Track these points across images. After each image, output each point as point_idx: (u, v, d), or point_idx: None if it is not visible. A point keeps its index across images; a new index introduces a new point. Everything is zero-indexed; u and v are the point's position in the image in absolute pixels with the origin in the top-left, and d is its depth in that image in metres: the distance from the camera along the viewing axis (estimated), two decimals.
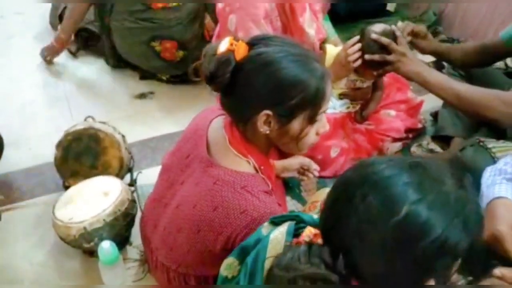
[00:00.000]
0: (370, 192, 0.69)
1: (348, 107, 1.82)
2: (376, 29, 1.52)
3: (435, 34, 2.55)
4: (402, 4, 2.79)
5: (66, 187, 1.63)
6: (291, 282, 0.70)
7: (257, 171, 1.06)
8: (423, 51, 1.72)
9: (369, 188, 0.70)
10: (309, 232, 0.81)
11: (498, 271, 0.93)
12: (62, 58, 2.43)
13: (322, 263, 0.70)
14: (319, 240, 0.77)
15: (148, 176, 1.70)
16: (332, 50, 1.67)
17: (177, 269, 1.18)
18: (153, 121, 2.09)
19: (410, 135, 1.92)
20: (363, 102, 1.82)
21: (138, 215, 1.49)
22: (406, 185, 0.69)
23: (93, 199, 1.47)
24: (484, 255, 1.02)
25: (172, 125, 2.04)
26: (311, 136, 1.06)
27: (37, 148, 1.92)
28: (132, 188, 1.63)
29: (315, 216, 0.89)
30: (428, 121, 2.03)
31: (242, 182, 1.02)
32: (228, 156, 1.06)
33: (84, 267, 1.51)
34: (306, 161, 1.52)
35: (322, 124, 1.06)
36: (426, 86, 1.46)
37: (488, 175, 1.12)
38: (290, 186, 1.72)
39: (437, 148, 1.89)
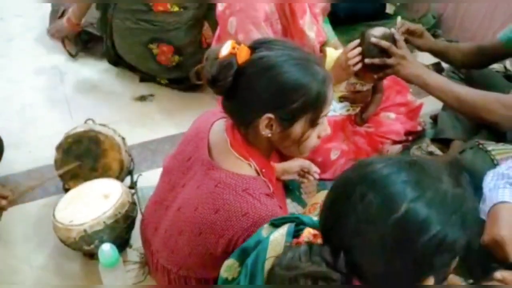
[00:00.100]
0: (369, 190, 0.70)
1: (348, 110, 1.83)
2: (376, 32, 1.52)
3: (434, 37, 2.53)
4: (401, 7, 2.80)
5: (66, 190, 1.63)
6: (293, 281, 0.70)
7: (258, 174, 1.06)
8: (420, 49, 1.73)
9: (368, 187, 0.70)
10: (308, 233, 0.81)
11: (499, 274, 0.93)
12: (62, 60, 2.43)
13: (323, 261, 0.70)
14: (319, 240, 0.77)
15: (148, 179, 1.70)
16: (332, 53, 1.67)
17: (178, 271, 1.18)
18: (153, 123, 2.09)
19: (410, 138, 1.93)
20: (363, 104, 1.82)
21: (139, 217, 1.49)
22: (405, 183, 0.69)
23: (94, 202, 1.47)
24: (484, 257, 1.02)
25: (172, 127, 2.04)
26: (313, 139, 1.06)
27: (37, 150, 1.92)
28: (133, 191, 1.63)
29: (315, 218, 0.89)
30: (427, 124, 2.03)
31: (244, 185, 1.02)
32: (230, 159, 1.06)
33: (84, 269, 1.51)
34: (306, 163, 1.52)
35: (324, 127, 1.07)
36: (426, 89, 1.47)
37: (490, 179, 1.12)
38: (290, 189, 1.72)
39: (437, 151, 1.90)
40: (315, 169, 1.52)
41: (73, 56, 2.43)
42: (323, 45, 1.84)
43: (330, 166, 1.74)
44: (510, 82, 1.74)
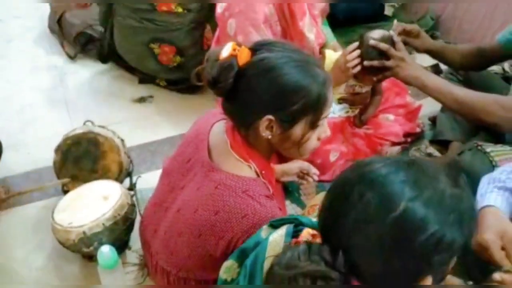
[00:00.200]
0: (368, 190, 0.70)
1: (347, 112, 1.83)
2: (375, 35, 1.53)
3: (433, 38, 2.56)
4: (400, 9, 2.82)
5: (65, 192, 1.63)
6: (292, 280, 0.70)
7: (258, 175, 1.06)
8: (418, 50, 1.73)
9: (367, 186, 0.71)
10: (307, 234, 0.82)
11: (498, 275, 0.94)
12: (61, 61, 2.43)
13: (322, 260, 0.70)
14: (318, 240, 0.78)
15: (148, 180, 1.70)
16: (332, 55, 1.68)
17: (177, 273, 1.18)
18: (152, 125, 2.09)
19: (409, 139, 1.93)
20: (362, 106, 1.82)
21: (138, 219, 1.49)
22: (403, 182, 0.70)
23: (93, 203, 1.47)
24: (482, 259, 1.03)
25: (172, 129, 2.04)
26: (313, 141, 1.06)
27: (36, 152, 1.92)
28: (132, 192, 1.63)
29: (314, 219, 0.90)
30: (426, 126, 2.04)
31: (244, 187, 1.02)
32: (230, 161, 1.06)
33: (83, 271, 1.51)
34: (305, 165, 1.52)
35: (324, 129, 1.07)
36: (425, 91, 1.47)
37: (482, 185, 1.13)
38: (289, 190, 1.73)
39: (436, 152, 1.90)
40: (314, 170, 1.52)
41: (72, 57, 2.43)
42: (322, 47, 1.85)
43: (329, 168, 1.74)
44: (508, 83, 1.74)
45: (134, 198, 1.59)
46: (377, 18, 2.67)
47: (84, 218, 1.42)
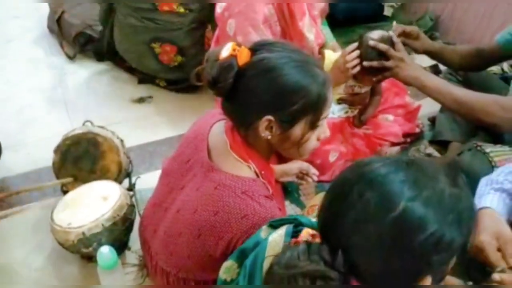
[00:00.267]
0: (367, 189, 0.70)
1: (346, 112, 1.83)
2: (374, 35, 1.53)
3: (432, 39, 2.56)
4: (399, 9, 2.82)
5: (64, 192, 1.62)
6: (291, 280, 0.70)
7: (257, 176, 1.06)
8: (417, 51, 1.74)
9: (366, 186, 0.71)
10: (306, 234, 0.82)
11: (498, 275, 0.94)
12: (60, 62, 2.43)
13: (321, 260, 0.70)
14: (317, 240, 0.78)
15: (147, 181, 1.70)
16: (331, 56, 1.68)
17: (177, 274, 1.18)
18: (151, 125, 2.09)
19: (408, 140, 1.93)
20: (361, 107, 1.83)
21: (137, 220, 1.49)
22: (402, 182, 0.70)
23: (92, 204, 1.46)
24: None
25: (171, 129, 2.04)
26: (312, 141, 1.06)
27: (35, 152, 1.92)
28: (131, 193, 1.63)
29: (313, 219, 0.90)
30: (425, 126, 2.04)
31: (243, 187, 1.02)
32: (229, 161, 1.06)
33: (82, 272, 1.51)
34: (305, 165, 1.52)
35: (323, 130, 1.07)
36: (425, 91, 1.47)
37: (480, 187, 1.13)
38: (289, 190, 1.73)
39: (435, 153, 1.91)
40: (313, 171, 1.52)
41: (71, 58, 2.43)
42: (322, 47, 1.85)
43: (329, 168, 1.74)
44: (507, 84, 1.75)
45: (133, 199, 1.59)
46: (377, 18, 2.67)
47: (83, 218, 1.41)
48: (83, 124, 1.70)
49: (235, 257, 0.95)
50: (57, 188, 1.71)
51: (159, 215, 1.21)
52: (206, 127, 1.14)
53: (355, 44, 1.55)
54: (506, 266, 0.97)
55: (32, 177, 1.81)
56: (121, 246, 1.50)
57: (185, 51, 2.10)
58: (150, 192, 1.34)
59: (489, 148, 1.37)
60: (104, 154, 1.63)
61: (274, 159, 1.40)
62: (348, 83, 1.71)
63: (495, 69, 1.89)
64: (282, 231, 0.88)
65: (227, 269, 0.95)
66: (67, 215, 1.44)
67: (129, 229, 1.51)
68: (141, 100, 2.22)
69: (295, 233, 0.86)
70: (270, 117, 0.99)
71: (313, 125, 1.03)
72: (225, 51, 0.97)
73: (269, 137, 1.02)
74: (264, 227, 0.94)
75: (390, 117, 1.89)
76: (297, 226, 0.89)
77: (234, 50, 0.97)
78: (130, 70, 2.31)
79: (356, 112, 1.84)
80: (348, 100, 1.80)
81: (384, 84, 1.85)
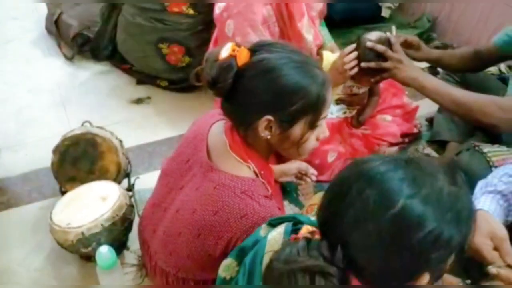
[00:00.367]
0: (367, 186, 0.71)
1: (344, 112, 1.84)
2: (372, 37, 1.54)
3: (429, 40, 2.58)
4: (397, 10, 2.82)
5: (63, 193, 1.62)
6: (290, 275, 0.70)
7: (257, 175, 1.07)
8: (416, 59, 1.74)
9: (366, 183, 0.71)
10: (306, 230, 0.82)
11: (495, 269, 0.95)
12: (59, 63, 2.43)
13: (321, 256, 0.71)
14: (317, 236, 0.78)
15: (146, 181, 1.70)
16: (329, 57, 1.68)
17: (176, 273, 1.18)
18: (150, 125, 2.09)
19: (406, 140, 1.94)
20: (359, 107, 1.83)
21: (136, 220, 1.49)
22: (401, 180, 0.70)
23: (91, 204, 1.47)
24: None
25: (170, 129, 2.05)
26: (311, 141, 1.07)
27: (34, 153, 1.92)
28: (130, 193, 1.63)
29: (312, 218, 0.90)
30: (423, 126, 2.05)
31: (243, 187, 1.02)
32: (229, 161, 1.06)
33: (81, 272, 1.51)
34: (304, 165, 1.53)
35: (322, 130, 1.07)
36: (423, 91, 1.48)
37: (477, 189, 1.14)
38: (287, 191, 1.73)
39: (433, 153, 1.91)
40: (312, 171, 1.52)
41: (69, 59, 2.43)
42: (320, 48, 1.85)
43: (327, 168, 1.74)
44: (505, 84, 1.76)
45: (132, 199, 1.59)
46: (375, 19, 2.68)
47: (82, 218, 1.42)
48: (82, 125, 1.70)
49: (235, 255, 0.95)
50: (56, 188, 1.71)
51: (158, 215, 1.22)
52: (205, 127, 1.14)
53: (353, 45, 1.56)
54: (503, 264, 0.97)
55: (31, 178, 1.81)
56: (120, 246, 1.51)
57: (193, 52, 2.10)
58: (149, 192, 1.34)
59: (487, 148, 1.38)
60: (103, 155, 1.63)
61: (273, 159, 1.40)
62: (346, 84, 1.72)
63: (492, 69, 1.90)
64: (281, 229, 0.89)
65: (226, 267, 0.96)
66: (66, 215, 1.45)
67: (128, 229, 1.51)
68: (139, 101, 2.23)
69: (294, 231, 0.87)
70: (269, 117, 1.00)
71: (312, 125, 1.03)
72: (225, 52, 0.97)
73: (269, 137, 1.03)
74: (263, 225, 0.94)
75: (388, 117, 1.89)
76: (296, 224, 0.89)
77: (233, 50, 0.97)
78: (128, 70, 2.31)
79: (354, 112, 1.85)
80: (347, 101, 1.80)
81: (382, 85, 1.86)
